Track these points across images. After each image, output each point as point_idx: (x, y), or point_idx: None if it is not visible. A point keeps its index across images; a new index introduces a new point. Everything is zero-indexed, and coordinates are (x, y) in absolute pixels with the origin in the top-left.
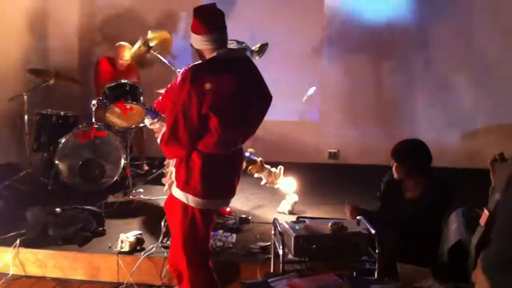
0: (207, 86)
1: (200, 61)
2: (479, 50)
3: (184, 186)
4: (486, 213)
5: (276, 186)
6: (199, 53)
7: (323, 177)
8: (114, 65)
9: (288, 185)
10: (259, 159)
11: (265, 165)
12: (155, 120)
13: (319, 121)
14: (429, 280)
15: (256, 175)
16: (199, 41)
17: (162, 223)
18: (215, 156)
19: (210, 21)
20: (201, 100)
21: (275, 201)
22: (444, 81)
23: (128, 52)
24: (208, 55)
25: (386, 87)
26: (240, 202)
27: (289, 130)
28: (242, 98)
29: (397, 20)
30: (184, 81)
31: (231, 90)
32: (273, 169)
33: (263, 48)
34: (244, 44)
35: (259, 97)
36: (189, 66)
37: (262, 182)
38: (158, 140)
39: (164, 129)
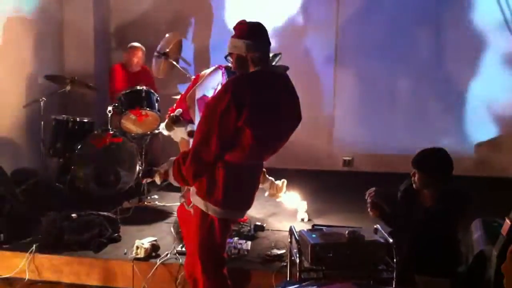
0: None
1: (241, 73)
2: (493, 54)
3: (205, 195)
4: (508, 222)
5: (278, 200)
6: (241, 61)
7: (338, 185)
8: (127, 71)
9: (291, 200)
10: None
11: (267, 176)
12: (156, 176)
13: (333, 129)
14: None
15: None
16: (245, 47)
17: (172, 229)
18: (238, 167)
19: (260, 29)
20: (239, 113)
21: (290, 209)
22: (458, 89)
23: (142, 52)
24: (252, 66)
25: (401, 94)
26: (255, 210)
27: (303, 137)
28: (277, 115)
29: (411, 26)
30: (226, 92)
31: (269, 106)
32: (276, 182)
33: (275, 58)
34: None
35: (291, 116)
36: (232, 78)
37: (266, 194)
38: (172, 180)
39: (170, 170)
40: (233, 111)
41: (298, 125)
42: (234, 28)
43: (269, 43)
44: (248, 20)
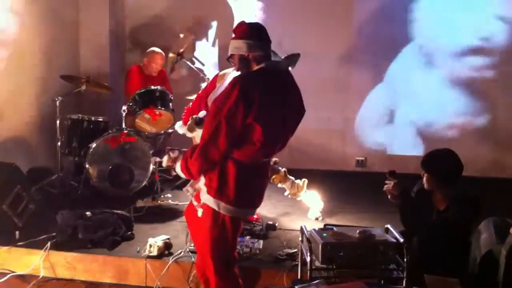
0: None
1: (247, 71)
2: None
3: (217, 193)
4: None
5: (298, 199)
6: (244, 61)
7: (351, 185)
8: (145, 74)
9: (311, 198)
10: (282, 170)
11: (288, 176)
12: (165, 156)
13: (346, 129)
14: None
15: (279, 185)
16: (247, 47)
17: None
18: (249, 165)
19: (260, 29)
20: (248, 110)
21: (302, 209)
22: (475, 89)
23: (162, 57)
24: (254, 64)
25: (415, 95)
26: (267, 209)
27: (316, 138)
28: (283, 110)
29: (427, 25)
30: (233, 88)
31: (276, 102)
32: (297, 181)
33: (294, 59)
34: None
35: (295, 111)
36: (239, 74)
37: (285, 193)
38: (178, 169)
39: (179, 159)
40: (242, 108)
41: (302, 119)
42: (234, 30)
43: (270, 41)
44: (248, 21)
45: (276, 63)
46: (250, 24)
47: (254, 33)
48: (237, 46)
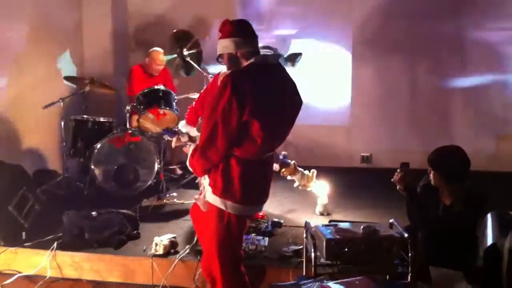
0: None
1: (237, 68)
2: None
3: (223, 193)
4: None
5: (308, 189)
6: (233, 59)
7: (356, 181)
8: (147, 73)
9: (321, 188)
10: (292, 162)
11: (298, 168)
12: (175, 138)
13: (351, 125)
14: (462, 284)
15: (289, 177)
16: (234, 45)
17: None
18: (252, 162)
19: (245, 25)
20: (242, 107)
21: (308, 205)
22: (479, 83)
23: (162, 56)
24: (244, 61)
25: (420, 89)
26: (273, 206)
27: (321, 135)
28: (279, 103)
29: (432, 21)
30: (225, 87)
31: (270, 95)
32: (306, 172)
33: (296, 58)
34: (272, 51)
35: (292, 102)
36: (229, 72)
37: (295, 185)
38: (187, 164)
39: (192, 146)
40: (235, 105)
41: (300, 109)
42: (220, 30)
43: (256, 36)
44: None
45: (264, 57)
46: (234, 21)
47: (239, 30)
48: (225, 45)
